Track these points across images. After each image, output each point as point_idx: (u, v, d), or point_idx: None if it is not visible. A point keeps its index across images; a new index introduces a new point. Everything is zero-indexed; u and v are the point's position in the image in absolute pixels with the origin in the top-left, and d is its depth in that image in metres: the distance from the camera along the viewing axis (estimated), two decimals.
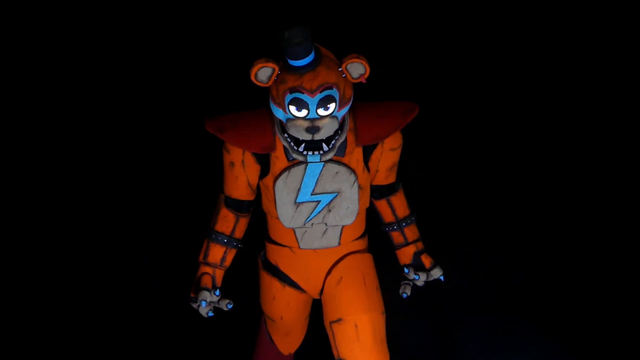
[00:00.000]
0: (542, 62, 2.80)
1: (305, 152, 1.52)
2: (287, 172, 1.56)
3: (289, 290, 1.76)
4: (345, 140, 1.57)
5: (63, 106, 2.78)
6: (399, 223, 1.75)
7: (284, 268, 1.74)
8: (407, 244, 1.76)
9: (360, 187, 1.61)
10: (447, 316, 2.46)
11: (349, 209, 1.62)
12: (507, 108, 2.83)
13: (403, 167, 1.79)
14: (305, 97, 1.43)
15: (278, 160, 1.58)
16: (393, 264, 1.82)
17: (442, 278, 1.77)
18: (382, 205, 1.75)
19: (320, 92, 1.43)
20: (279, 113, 1.50)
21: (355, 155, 1.59)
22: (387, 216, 1.76)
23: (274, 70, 1.45)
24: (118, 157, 2.80)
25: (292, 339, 1.90)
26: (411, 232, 1.76)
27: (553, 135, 2.79)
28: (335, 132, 1.53)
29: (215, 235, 1.68)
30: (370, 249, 1.80)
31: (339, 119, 1.49)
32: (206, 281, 1.67)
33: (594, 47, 2.75)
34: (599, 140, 2.74)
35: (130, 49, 2.79)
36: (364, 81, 1.48)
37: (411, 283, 1.76)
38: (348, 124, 1.56)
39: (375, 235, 1.83)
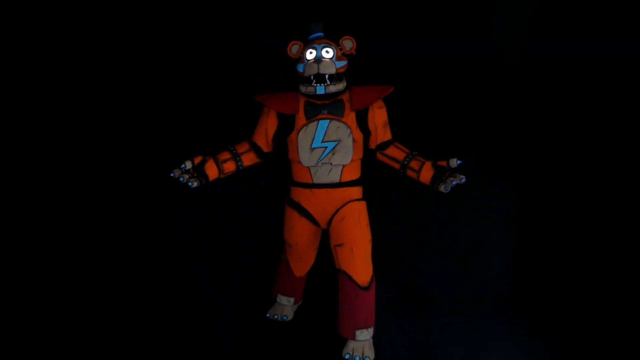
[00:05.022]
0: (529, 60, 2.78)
1: (314, 84, 2.28)
2: (306, 126, 2.31)
3: (304, 221, 2.41)
4: (344, 106, 2.31)
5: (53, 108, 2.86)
6: (404, 160, 2.34)
7: (304, 203, 2.40)
8: (423, 162, 2.30)
9: (354, 140, 2.31)
10: (431, 316, 2.59)
11: (346, 153, 2.32)
12: (507, 107, 2.82)
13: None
14: (314, 46, 2.30)
15: (299, 119, 2.33)
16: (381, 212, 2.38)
17: (459, 162, 2.20)
18: (385, 159, 2.40)
19: (323, 44, 2.30)
20: (300, 67, 2.32)
21: (350, 117, 2.32)
22: (394, 164, 2.37)
23: (299, 46, 2.32)
24: (116, 157, 2.92)
25: (304, 263, 2.51)
26: (417, 161, 2.30)
27: (531, 132, 2.80)
28: (335, 84, 2.29)
29: (232, 148, 2.38)
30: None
31: (336, 67, 2.30)
32: (197, 159, 2.29)
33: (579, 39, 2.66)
34: (589, 137, 2.74)
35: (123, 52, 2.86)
36: (353, 52, 2.31)
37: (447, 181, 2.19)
38: (345, 90, 2.33)
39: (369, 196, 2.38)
